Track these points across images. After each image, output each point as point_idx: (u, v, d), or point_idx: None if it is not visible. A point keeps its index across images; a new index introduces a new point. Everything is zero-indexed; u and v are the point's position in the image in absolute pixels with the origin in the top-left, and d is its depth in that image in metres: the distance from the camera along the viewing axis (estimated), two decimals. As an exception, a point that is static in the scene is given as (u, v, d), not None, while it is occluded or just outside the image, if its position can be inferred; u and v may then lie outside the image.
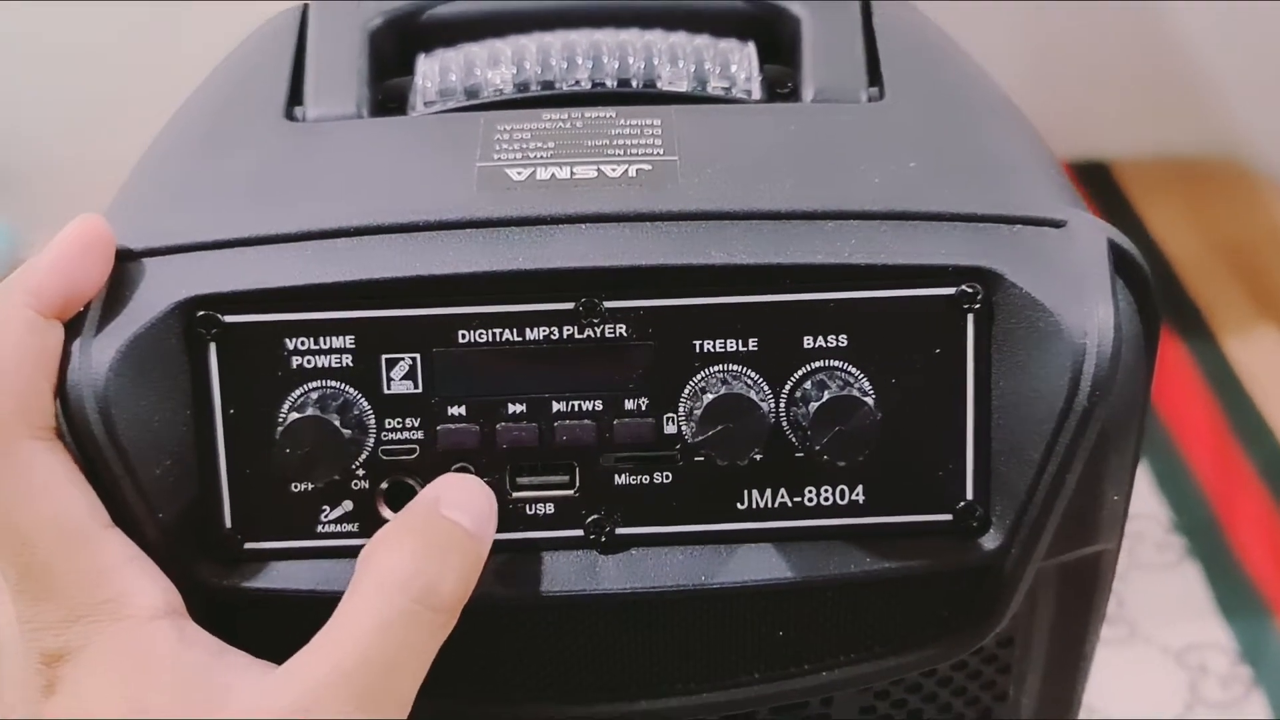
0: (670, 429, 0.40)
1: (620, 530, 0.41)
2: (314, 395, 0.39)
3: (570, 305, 0.40)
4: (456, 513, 0.38)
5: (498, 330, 0.40)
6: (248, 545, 0.41)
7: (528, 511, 0.41)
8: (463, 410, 0.40)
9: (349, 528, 0.41)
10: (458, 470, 0.40)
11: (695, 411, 0.39)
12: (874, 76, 0.48)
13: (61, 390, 0.38)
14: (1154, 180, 1.24)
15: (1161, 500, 1.04)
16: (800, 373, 0.40)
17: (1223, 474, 1.05)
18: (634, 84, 0.48)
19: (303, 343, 0.40)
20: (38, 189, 1.23)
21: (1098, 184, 1.24)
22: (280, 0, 0.54)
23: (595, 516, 0.41)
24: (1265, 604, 0.97)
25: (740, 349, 0.40)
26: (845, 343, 0.40)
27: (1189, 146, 1.23)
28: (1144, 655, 0.95)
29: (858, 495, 0.41)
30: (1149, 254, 1.15)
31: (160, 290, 0.39)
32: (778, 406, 0.40)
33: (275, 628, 0.39)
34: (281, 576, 0.40)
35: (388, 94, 0.49)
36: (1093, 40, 1.19)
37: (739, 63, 0.49)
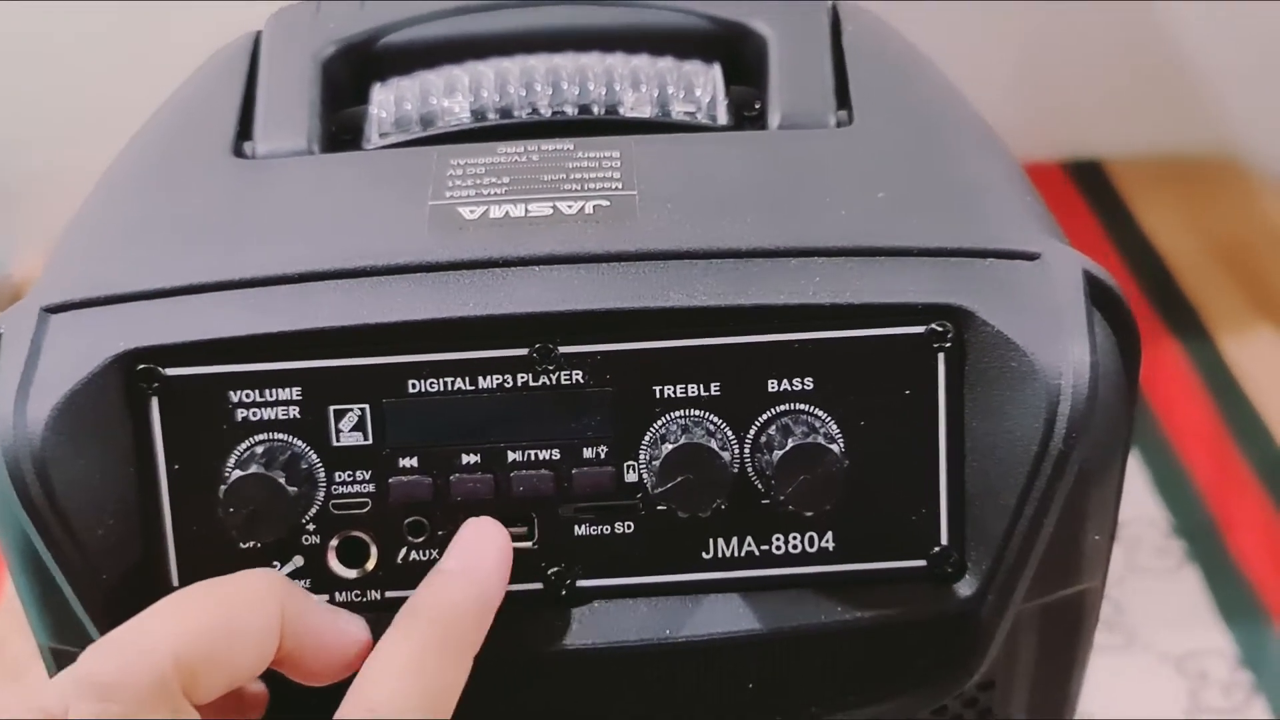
0: (631, 477, 0.39)
1: (581, 583, 0.39)
2: (260, 449, 0.38)
3: (524, 351, 0.38)
4: None
5: (449, 379, 0.38)
6: (196, 604, 0.39)
7: (485, 565, 0.39)
8: (415, 461, 0.39)
9: (300, 583, 0.39)
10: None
11: (655, 460, 0.37)
12: (843, 98, 0.46)
13: None
14: (1148, 178, 1.22)
15: (1160, 504, 1.02)
16: (764, 417, 0.38)
17: (1220, 476, 1.04)
18: (595, 110, 0.47)
19: (248, 395, 0.38)
20: (26, 202, 1.21)
21: (1091, 182, 1.22)
22: (267, 0, 0.52)
23: (555, 569, 0.39)
24: (1265, 609, 0.95)
25: (702, 394, 0.38)
26: (811, 385, 0.38)
27: (1184, 144, 1.22)
28: (1143, 662, 0.93)
29: (828, 542, 0.39)
30: (1144, 254, 1.14)
31: (98, 343, 0.38)
32: (742, 453, 0.38)
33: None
34: (232, 636, 0.39)
35: (342, 125, 0.48)
36: (1086, 37, 1.17)
37: (703, 86, 0.48)
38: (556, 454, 0.39)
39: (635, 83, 0.47)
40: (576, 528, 0.39)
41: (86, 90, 1.16)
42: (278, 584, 0.36)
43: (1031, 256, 0.39)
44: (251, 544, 0.39)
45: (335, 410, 0.38)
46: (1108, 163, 1.23)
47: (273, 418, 0.38)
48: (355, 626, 0.38)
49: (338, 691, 0.36)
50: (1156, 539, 1.01)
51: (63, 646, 0.41)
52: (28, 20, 1.14)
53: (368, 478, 0.39)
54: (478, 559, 0.38)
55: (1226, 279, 1.16)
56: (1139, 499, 0.99)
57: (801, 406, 0.38)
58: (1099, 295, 0.40)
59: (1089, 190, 1.21)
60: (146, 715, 0.33)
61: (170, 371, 0.38)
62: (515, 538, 0.39)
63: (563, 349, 0.38)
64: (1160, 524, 1.01)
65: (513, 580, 0.39)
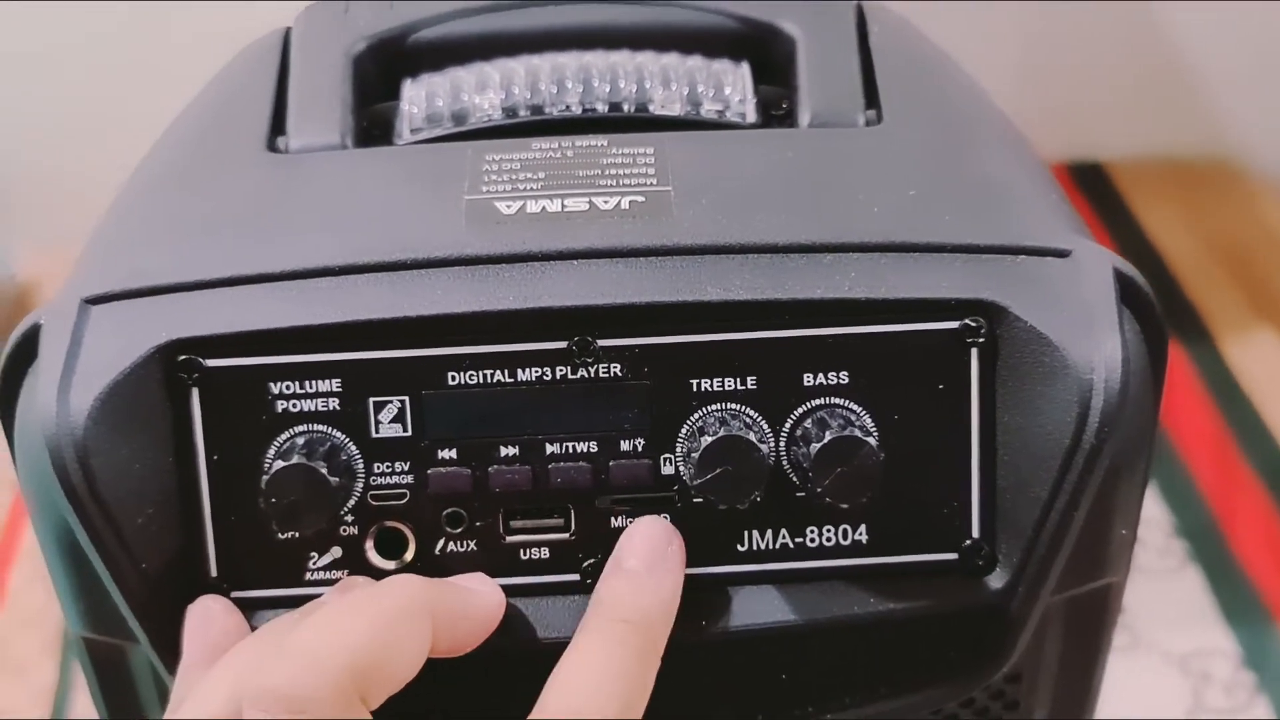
0: (668, 469, 0.39)
1: (617, 574, 0.40)
2: (300, 440, 0.38)
3: (563, 344, 0.39)
4: None
5: (489, 371, 0.39)
6: (234, 594, 0.39)
7: (522, 556, 0.40)
8: (454, 453, 0.39)
9: (338, 574, 0.40)
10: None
11: (693, 453, 0.38)
12: (871, 98, 0.47)
13: (39, 440, 0.37)
14: (1149, 181, 1.23)
15: (1163, 505, 1.03)
16: (800, 411, 0.39)
17: (1223, 477, 1.04)
18: (625, 108, 0.47)
19: (288, 386, 0.39)
20: (27, 202, 1.21)
21: (1092, 185, 1.23)
22: (271, 1, 0.52)
23: (591, 560, 0.40)
24: (1268, 609, 0.96)
25: (738, 387, 0.39)
26: (846, 379, 0.39)
27: (1185, 147, 1.22)
28: (1146, 663, 0.94)
29: (861, 535, 0.40)
30: (1145, 256, 1.15)
31: (139, 334, 0.38)
32: (778, 446, 0.39)
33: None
34: (269, 626, 0.39)
35: (373, 121, 0.48)
36: (1087, 40, 1.18)
37: (733, 85, 0.48)
38: (594, 446, 0.39)
39: (665, 81, 0.47)
40: (613, 519, 0.39)
41: (87, 91, 1.17)
42: (423, 590, 0.36)
43: (1063, 254, 0.40)
44: (290, 534, 0.39)
45: (375, 402, 0.39)
46: (1109, 164, 1.24)
47: (313, 409, 0.39)
48: (489, 595, 0.38)
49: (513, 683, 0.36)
50: (1159, 540, 1.01)
51: (98, 637, 0.41)
52: (28, 22, 1.14)
53: (407, 469, 0.39)
54: (660, 559, 0.38)
55: (1227, 281, 1.16)
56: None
57: (837, 400, 0.39)
58: (1128, 293, 0.40)
59: (1090, 192, 1.22)
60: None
61: (211, 363, 0.38)
62: (552, 529, 0.40)
63: (601, 342, 0.38)
64: (1163, 525, 1.02)
65: (549, 571, 0.40)
